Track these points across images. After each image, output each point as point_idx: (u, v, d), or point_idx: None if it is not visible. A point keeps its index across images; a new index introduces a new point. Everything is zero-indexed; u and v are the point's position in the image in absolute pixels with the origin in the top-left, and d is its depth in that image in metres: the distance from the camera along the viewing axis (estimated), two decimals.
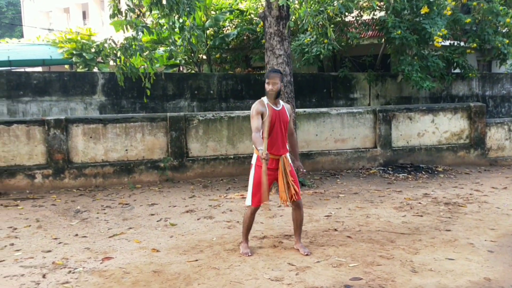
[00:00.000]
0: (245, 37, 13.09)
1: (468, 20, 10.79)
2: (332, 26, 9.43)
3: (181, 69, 14.39)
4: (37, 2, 30.87)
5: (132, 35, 7.99)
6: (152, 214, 6.60)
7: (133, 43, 7.92)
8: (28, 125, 8.31)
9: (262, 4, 12.70)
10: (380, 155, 9.93)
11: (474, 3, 11.10)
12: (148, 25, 8.31)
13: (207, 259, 4.73)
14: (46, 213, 6.72)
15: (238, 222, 6.09)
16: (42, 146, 8.35)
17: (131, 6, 8.01)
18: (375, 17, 10.94)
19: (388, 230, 5.66)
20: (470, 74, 11.66)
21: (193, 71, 13.55)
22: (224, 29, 13.47)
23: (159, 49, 13.37)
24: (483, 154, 10.41)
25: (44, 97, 10.36)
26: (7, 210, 6.93)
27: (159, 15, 8.15)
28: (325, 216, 6.36)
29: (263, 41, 8.86)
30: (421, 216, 6.28)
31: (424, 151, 10.15)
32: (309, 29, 10.67)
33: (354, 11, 10.64)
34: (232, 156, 9.27)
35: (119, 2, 7.93)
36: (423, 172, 9.39)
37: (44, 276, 4.34)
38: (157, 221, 6.26)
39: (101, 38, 9.27)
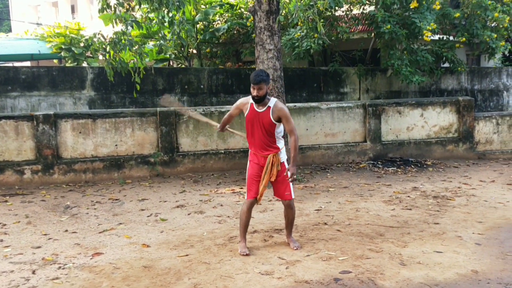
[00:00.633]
0: (235, 32, 13.06)
1: (457, 14, 10.85)
2: (322, 20, 9.44)
3: (171, 63, 14.33)
4: None
5: (122, 29, 7.95)
6: (142, 210, 6.59)
7: (122, 37, 7.88)
8: (17, 121, 8.24)
9: None
10: (370, 149, 9.99)
11: None
12: (137, 19, 8.27)
13: (198, 254, 4.74)
14: (35, 209, 6.69)
15: (228, 216, 6.11)
16: (31, 142, 8.29)
17: (120, 0, 7.95)
18: (364, 11, 10.96)
19: (377, 223, 5.70)
20: (459, 68, 11.74)
21: (183, 66, 13.50)
22: (214, 23, 13.42)
23: (148, 44, 13.31)
24: (472, 148, 10.51)
25: (33, 92, 10.27)
26: None
27: (149, 9, 8.11)
28: (315, 210, 6.40)
29: (254, 35, 8.85)
30: (410, 209, 6.34)
31: (413, 145, 10.23)
32: (299, 23, 10.68)
33: (344, 5, 10.66)
34: (222, 151, 9.28)
35: None
36: (412, 166, 9.47)
37: (33, 272, 4.33)
38: (148, 216, 6.26)
39: (90, 32, 9.21)
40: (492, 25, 11.42)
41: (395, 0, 9.89)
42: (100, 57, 9.88)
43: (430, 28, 10.03)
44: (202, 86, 11.39)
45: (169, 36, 9.26)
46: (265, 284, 3.96)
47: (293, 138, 4.69)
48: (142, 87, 9.93)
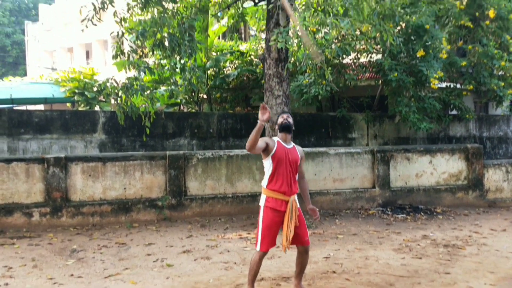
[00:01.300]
0: (245, 78, 13.32)
1: (464, 63, 11.02)
2: (330, 68, 9.64)
3: (181, 108, 14.57)
4: (41, 42, 31.50)
5: (134, 75, 8.15)
6: (149, 254, 6.54)
7: (134, 82, 8.07)
8: (28, 163, 8.34)
9: (262, 47, 13.00)
10: (379, 195, 9.93)
11: (470, 47, 11.37)
12: (150, 65, 8.49)
13: None
14: (42, 252, 6.66)
15: (235, 263, 6.04)
16: (41, 184, 8.35)
17: (134, 48, 8.21)
18: (372, 59, 11.17)
19: (387, 272, 5.60)
20: (467, 116, 11.80)
21: (193, 110, 13.71)
22: (224, 69, 13.72)
23: (160, 89, 13.58)
24: (482, 196, 10.41)
25: (45, 135, 10.44)
26: (3, 248, 6.87)
27: (161, 56, 8.35)
28: (324, 257, 6.31)
29: (263, 81, 9.03)
30: (420, 258, 6.23)
31: (423, 191, 10.15)
32: (307, 70, 10.88)
33: (351, 53, 10.88)
34: (230, 195, 9.27)
35: (122, 44, 8.14)
36: (422, 213, 9.36)
37: None
38: (154, 261, 6.21)
39: (104, 77, 9.44)
40: (499, 73, 11.56)
41: (402, 49, 10.08)
42: (112, 101, 10.08)
43: (437, 76, 10.17)
44: (211, 130, 11.52)
45: (180, 81, 9.51)
46: None
47: (306, 179, 4.93)
48: (152, 131, 10.08)
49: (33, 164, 8.35)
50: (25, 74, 32.00)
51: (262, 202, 4.69)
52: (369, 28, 8.08)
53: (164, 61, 8.69)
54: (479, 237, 7.45)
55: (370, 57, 11.20)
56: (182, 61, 8.37)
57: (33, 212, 8.23)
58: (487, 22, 11.20)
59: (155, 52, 8.23)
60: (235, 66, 13.60)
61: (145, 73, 8.42)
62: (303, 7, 7.43)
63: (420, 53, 10.16)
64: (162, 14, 7.82)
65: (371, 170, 10.03)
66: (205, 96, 13.83)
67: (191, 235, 7.68)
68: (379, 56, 11.19)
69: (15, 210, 8.16)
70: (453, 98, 11.51)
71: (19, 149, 10.26)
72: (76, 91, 14.50)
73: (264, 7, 9.93)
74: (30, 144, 10.34)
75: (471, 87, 11.19)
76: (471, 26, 11.23)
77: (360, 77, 11.83)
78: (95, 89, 14.51)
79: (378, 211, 9.48)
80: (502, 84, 11.09)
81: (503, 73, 11.45)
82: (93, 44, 27.41)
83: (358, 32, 9.52)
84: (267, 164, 4.66)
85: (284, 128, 4.69)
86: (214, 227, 8.33)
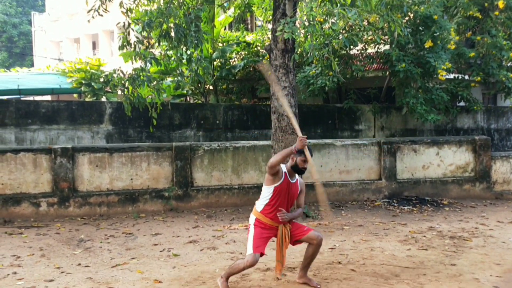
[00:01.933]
0: (251, 69, 13.28)
1: (472, 54, 10.92)
2: (337, 59, 9.60)
3: (188, 99, 14.56)
4: (48, 33, 31.55)
5: (141, 66, 8.15)
6: (156, 244, 6.58)
7: (141, 73, 8.07)
8: (35, 153, 8.39)
9: (268, 37, 12.93)
10: (385, 187, 9.91)
11: (478, 38, 11.26)
12: (156, 56, 8.48)
13: None
14: (49, 241, 6.72)
15: (241, 253, 6.06)
16: (48, 175, 8.41)
17: (140, 38, 8.19)
18: (379, 50, 11.09)
19: (392, 263, 5.60)
20: (475, 107, 11.72)
21: (199, 101, 13.70)
22: (231, 60, 13.68)
23: (166, 80, 13.57)
24: (489, 188, 10.36)
25: (52, 125, 10.49)
26: (11, 238, 6.94)
27: (167, 47, 8.32)
28: (329, 248, 6.32)
29: (269, 72, 8.99)
30: (426, 249, 6.23)
31: (429, 183, 10.12)
32: (314, 61, 10.82)
33: (359, 44, 10.80)
34: (236, 186, 9.29)
35: (129, 34, 8.12)
36: (428, 205, 9.34)
37: None
38: (160, 251, 6.25)
39: (110, 68, 9.45)
40: (508, 64, 11.45)
41: (409, 39, 10.00)
42: (119, 92, 10.09)
43: (445, 67, 10.09)
44: (217, 122, 11.52)
45: (186, 72, 9.49)
46: None
47: (301, 209, 4.87)
48: (158, 122, 10.09)
49: (41, 154, 8.40)
50: (32, 65, 32.10)
51: (251, 221, 4.75)
52: (377, 19, 8.00)
53: (170, 52, 8.66)
54: (485, 229, 7.43)
55: (378, 48, 11.11)
56: (189, 52, 8.35)
57: (40, 202, 8.30)
58: (496, 12, 11.08)
59: (161, 43, 8.20)
60: (242, 57, 13.55)
61: (151, 64, 8.41)
62: None
63: (428, 44, 10.07)
64: (168, 5, 7.80)
65: (378, 161, 10.00)
66: (211, 87, 13.81)
67: (197, 226, 7.72)
68: (387, 47, 11.11)
69: (23, 200, 8.23)
70: (461, 90, 11.43)
71: (26, 139, 10.32)
72: (83, 82, 14.51)
73: None
74: (38, 134, 10.39)
75: (479, 78, 11.10)
76: (480, 16, 11.11)
77: (367, 68, 11.76)
78: (101, 80, 14.51)
79: (384, 203, 9.47)
80: (511, 75, 10.99)
81: (511, 64, 11.34)
82: (99, 34, 27.42)
83: (365, 23, 9.43)
84: (267, 192, 4.65)
85: (299, 172, 4.65)
86: (220, 217, 8.36)
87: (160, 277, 5.16)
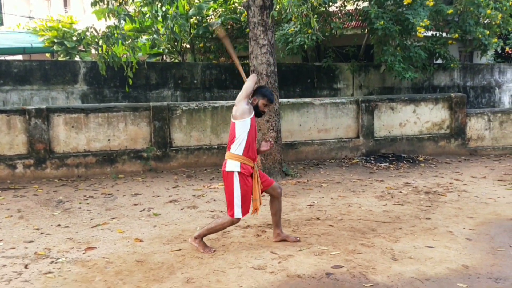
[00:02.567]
0: (229, 26, 13.03)
1: (450, 11, 10.88)
2: (315, 16, 9.45)
3: (164, 58, 14.29)
4: None
5: (114, 23, 7.92)
6: (135, 204, 6.59)
7: (115, 31, 7.85)
8: (9, 115, 8.19)
9: None
10: (363, 145, 10.03)
11: None
12: (130, 13, 8.23)
13: (191, 248, 4.75)
14: (27, 203, 6.66)
15: (221, 211, 6.12)
16: (23, 136, 8.25)
17: None
18: (358, 7, 10.98)
19: (369, 218, 5.74)
20: (451, 65, 11.80)
21: (176, 60, 13.46)
22: (207, 18, 13.38)
23: (141, 38, 13.25)
24: (463, 144, 10.58)
25: (25, 86, 10.20)
26: None
27: (142, 3, 8.10)
28: (308, 205, 6.42)
29: (247, 30, 8.84)
30: (402, 205, 6.39)
31: (406, 141, 10.28)
32: (293, 19, 10.63)
33: (338, 1, 10.67)
34: (216, 146, 9.28)
35: None
36: (405, 162, 9.52)
37: (26, 267, 4.32)
38: (140, 211, 6.26)
39: (83, 26, 9.18)
40: (485, 22, 11.47)
41: None
42: (93, 51, 9.84)
43: (423, 25, 10.05)
44: (195, 81, 11.37)
45: (162, 30, 9.27)
46: (258, 279, 3.98)
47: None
48: (135, 82, 9.91)
49: (14, 115, 8.21)
50: (1, 24, 30.88)
51: (235, 168, 4.43)
52: None
53: (145, 9, 8.43)
54: (459, 184, 7.64)
55: (357, 5, 11.01)
56: (164, 9, 8.12)
57: (16, 164, 8.17)
58: None
59: None
60: (219, 14, 13.26)
61: (125, 21, 8.18)
62: None
63: (407, 0, 9.99)
64: None
65: (356, 120, 10.08)
66: (188, 46, 13.55)
67: (177, 186, 7.73)
68: (366, 3, 11.00)
69: None
70: (438, 47, 11.46)
71: None
72: (55, 40, 14.07)
73: None
74: (10, 95, 10.11)
75: (457, 35, 11.12)
76: None
77: (346, 26, 11.67)
78: (74, 38, 14.10)
79: (361, 160, 9.61)
80: (487, 32, 11.03)
81: (488, 21, 11.36)
82: None
83: None
84: (244, 127, 4.41)
85: (258, 114, 4.60)
86: (200, 177, 8.38)
87: (141, 236, 5.19)
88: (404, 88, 12.65)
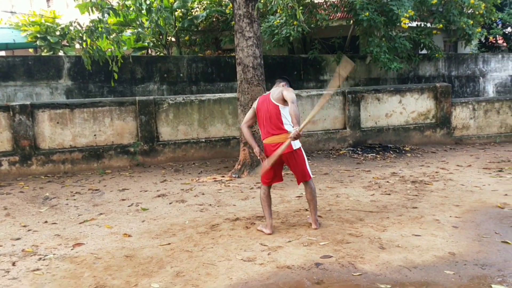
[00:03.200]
0: (214, 19, 12.97)
1: (434, 1, 10.94)
2: (301, 8, 9.46)
3: (149, 52, 14.18)
4: None
5: (98, 17, 7.83)
6: (123, 199, 6.56)
7: (99, 25, 7.77)
8: None
9: None
10: (350, 135, 10.08)
11: None
12: (114, 6, 8.14)
13: (180, 242, 4.75)
14: (14, 200, 6.59)
15: (210, 205, 6.12)
16: (8, 133, 8.14)
17: None
18: None
19: (357, 208, 5.78)
20: (436, 55, 11.88)
21: (162, 54, 13.37)
22: (192, 10, 13.31)
23: (126, 32, 13.13)
24: (449, 133, 10.69)
25: (8, 82, 10.06)
26: None
27: None
28: (296, 196, 6.45)
29: (233, 23, 8.80)
30: (389, 194, 6.44)
31: (392, 131, 10.35)
32: (278, 10, 10.65)
33: None
34: (203, 140, 9.26)
35: None
36: (391, 152, 9.59)
37: (14, 264, 4.28)
38: (128, 206, 6.23)
39: (66, 20, 9.05)
40: (469, 11, 11.55)
41: None
42: (77, 46, 9.71)
43: (408, 15, 10.10)
44: (181, 75, 11.31)
45: (147, 24, 9.20)
46: (248, 270, 3.99)
47: None
48: (120, 76, 9.83)
49: None
50: None
51: (300, 144, 4.95)
52: None
53: (129, 2, 8.35)
54: (445, 173, 7.72)
55: None
56: (148, 2, 8.05)
57: (1, 161, 8.07)
58: None
59: None
60: (204, 7, 13.19)
61: (109, 15, 8.09)
62: None
63: None
64: None
65: (343, 111, 10.12)
66: (173, 39, 13.47)
67: (165, 180, 7.71)
68: None
69: None
70: (423, 38, 11.53)
71: None
72: (38, 35, 13.87)
73: None
74: None
75: (441, 25, 11.19)
76: None
77: (331, 17, 11.68)
78: (58, 33, 13.90)
79: (349, 151, 9.66)
80: (471, 22, 11.12)
81: (472, 11, 11.45)
82: None
83: None
84: (285, 111, 4.86)
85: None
86: (188, 171, 8.36)
87: (129, 231, 5.17)
88: (390, 79, 12.72)
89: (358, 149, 9.80)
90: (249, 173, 7.73)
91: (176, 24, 12.72)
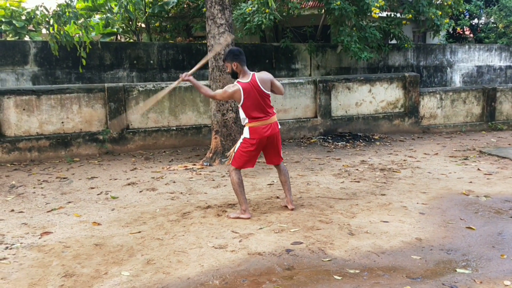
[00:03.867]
0: (185, 5, 12.81)
1: None
2: None
3: (118, 38, 13.92)
4: None
5: (66, 1, 7.64)
6: (92, 188, 6.46)
7: (66, 10, 7.58)
8: None
9: None
10: (321, 124, 10.17)
11: None
12: None
13: (151, 230, 4.72)
14: None
15: (181, 193, 6.09)
16: None
17: None
18: None
19: (327, 196, 5.86)
20: (405, 45, 12.07)
21: (131, 40, 13.14)
22: None
23: (94, 17, 12.84)
24: (417, 122, 10.91)
25: None
26: None
27: None
28: (268, 184, 6.49)
29: (204, 9, 8.72)
30: (358, 182, 6.55)
31: (362, 120, 10.50)
32: None
33: None
34: (174, 128, 9.18)
35: None
36: (361, 140, 9.74)
37: None
38: (98, 194, 6.14)
39: (32, 4, 8.78)
40: (438, 2, 11.76)
41: None
42: (44, 30, 9.45)
43: (378, 5, 10.22)
44: (151, 62, 11.15)
45: (116, 9, 9.02)
46: (219, 258, 4.00)
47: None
48: (88, 62, 9.62)
49: None
50: None
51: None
52: None
53: None
54: (413, 161, 7.89)
55: None
56: None
57: None
58: None
59: None
60: None
61: None
62: None
63: None
64: None
65: (314, 100, 10.19)
66: (143, 25, 13.25)
67: (135, 168, 7.62)
68: None
69: None
70: (393, 28, 11.68)
71: None
72: (3, 20, 13.38)
73: None
74: None
75: (410, 16, 11.36)
76: None
77: (303, 6, 11.71)
78: (23, 17, 13.47)
79: (319, 140, 9.76)
80: (440, 13, 11.33)
81: (441, 2, 11.66)
82: None
83: None
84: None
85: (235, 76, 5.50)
86: (158, 159, 8.29)
87: (99, 219, 5.11)
88: (360, 68, 12.86)
89: (329, 137, 9.91)
90: (220, 161, 7.72)
91: (146, 10, 12.50)
